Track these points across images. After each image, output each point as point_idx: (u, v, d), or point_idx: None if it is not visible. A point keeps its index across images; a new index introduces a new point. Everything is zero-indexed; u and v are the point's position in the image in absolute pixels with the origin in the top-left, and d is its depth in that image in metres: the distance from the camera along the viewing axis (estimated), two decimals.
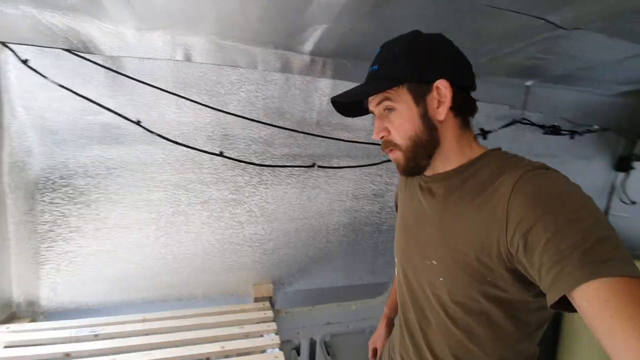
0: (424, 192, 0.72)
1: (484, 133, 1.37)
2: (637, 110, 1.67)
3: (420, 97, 0.63)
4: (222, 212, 1.22)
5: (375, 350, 1.04)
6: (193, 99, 1.08)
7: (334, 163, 1.30)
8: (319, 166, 1.23)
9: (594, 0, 0.77)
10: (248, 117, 1.14)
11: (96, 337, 1.05)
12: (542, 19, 0.86)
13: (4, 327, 1.05)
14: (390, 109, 0.65)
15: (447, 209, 0.66)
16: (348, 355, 1.52)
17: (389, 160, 1.34)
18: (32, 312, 1.12)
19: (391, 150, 0.67)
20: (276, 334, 1.13)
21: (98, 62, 0.97)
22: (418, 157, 0.65)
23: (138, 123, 1.01)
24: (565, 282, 0.46)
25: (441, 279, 0.66)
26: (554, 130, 1.48)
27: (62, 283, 1.12)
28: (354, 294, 1.51)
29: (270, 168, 1.22)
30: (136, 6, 0.86)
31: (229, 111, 1.12)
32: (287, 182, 1.26)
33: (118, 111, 1.01)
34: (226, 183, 1.20)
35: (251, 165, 1.20)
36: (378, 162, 1.33)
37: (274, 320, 1.19)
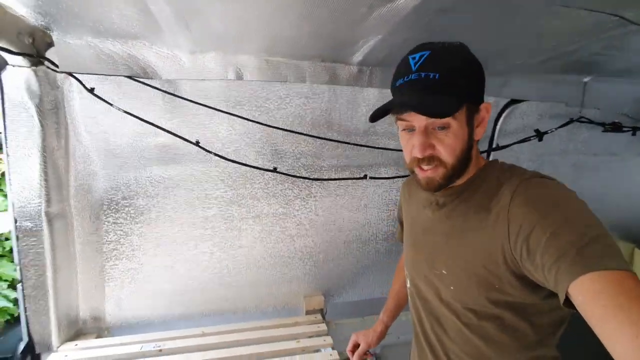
0: (432, 205, 0.74)
1: (540, 135, 1.30)
2: None
3: (471, 118, 0.63)
4: (273, 226, 1.23)
5: (355, 345, 1.02)
6: (244, 116, 1.09)
7: (382, 172, 1.28)
8: (370, 177, 1.21)
9: None
10: (297, 130, 1.14)
11: (160, 352, 1.07)
12: (616, 15, 0.81)
13: (72, 344, 1.10)
14: (444, 127, 0.61)
15: (455, 220, 0.69)
16: None
17: None
18: (97, 327, 1.17)
19: (435, 166, 0.63)
20: (333, 348, 1.12)
21: (156, 86, 1.00)
22: (457, 174, 0.65)
23: (197, 144, 1.03)
24: (564, 279, 0.48)
25: (452, 288, 0.69)
26: (615, 127, 1.39)
27: (126, 299, 1.16)
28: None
29: (319, 180, 1.22)
30: (193, 30, 0.88)
31: (278, 126, 1.12)
32: (336, 193, 1.25)
33: (175, 132, 1.04)
34: (276, 197, 1.21)
35: (300, 179, 1.20)
36: None
37: (328, 334, 1.18)
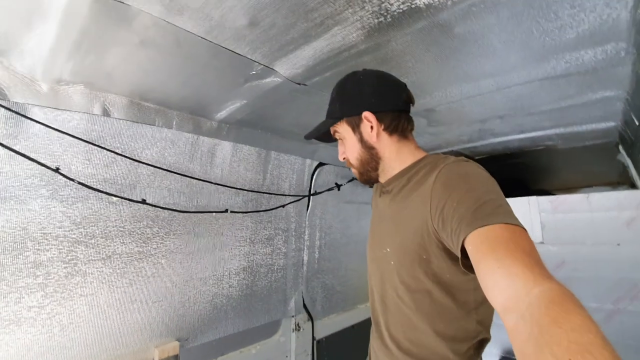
0: (383, 195, 0.89)
1: (338, 186, 1.92)
2: None
3: (355, 127, 0.83)
4: (126, 267, 1.16)
5: None
6: (106, 152, 1.10)
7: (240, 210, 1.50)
8: (231, 211, 1.40)
9: None
10: (160, 169, 1.23)
11: None
12: None
13: None
14: (341, 139, 0.87)
15: (397, 204, 0.81)
16: None
17: (282, 206, 1.64)
18: None
19: (351, 167, 0.89)
20: None
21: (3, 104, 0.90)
22: (367, 171, 0.85)
23: (57, 170, 0.94)
24: (460, 238, 0.58)
25: (392, 263, 0.79)
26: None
27: None
28: (253, 336, 1.60)
29: (179, 219, 1.30)
30: (60, 60, 0.89)
31: (142, 161, 1.17)
32: (194, 231, 1.35)
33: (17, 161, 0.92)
34: (133, 235, 1.18)
35: (161, 216, 1.24)
36: (274, 207, 1.62)
37: None
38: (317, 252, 1.91)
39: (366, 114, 0.81)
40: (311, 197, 1.83)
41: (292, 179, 1.75)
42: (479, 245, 0.54)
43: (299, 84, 1.09)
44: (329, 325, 1.96)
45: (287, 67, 0.99)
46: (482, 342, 0.78)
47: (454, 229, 0.60)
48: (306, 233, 1.85)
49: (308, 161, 1.82)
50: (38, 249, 0.99)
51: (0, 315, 0.92)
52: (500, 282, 0.48)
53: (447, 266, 0.70)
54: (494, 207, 0.59)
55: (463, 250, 0.60)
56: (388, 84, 0.84)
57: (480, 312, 0.75)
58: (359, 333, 2.06)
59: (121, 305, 1.15)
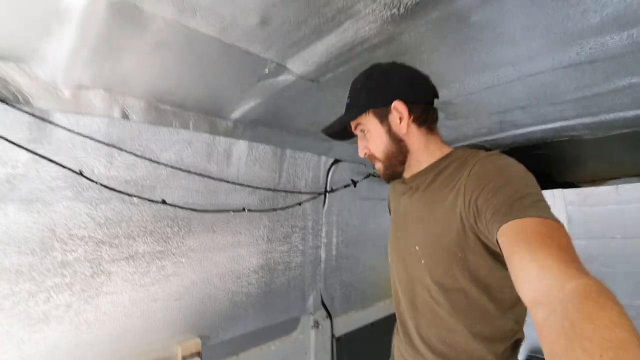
0: (407, 192, 0.85)
1: (354, 183, 1.90)
2: None
3: (383, 118, 0.79)
4: (148, 267, 1.19)
5: None
6: (126, 154, 1.13)
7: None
8: (249, 210, 1.42)
9: None
10: (179, 170, 1.25)
11: None
12: None
13: None
14: (364, 131, 0.82)
15: (425, 200, 0.78)
16: None
17: (298, 204, 1.65)
18: None
19: (375, 162, 0.85)
20: None
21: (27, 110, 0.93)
22: (393, 164, 0.81)
23: (80, 173, 0.98)
24: (496, 228, 0.57)
25: (423, 262, 0.76)
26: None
27: None
28: (273, 333, 1.62)
29: (198, 218, 1.32)
30: (79, 66, 0.92)
31: (161, 162, 1.20)
32: (213, 229, 1.37)
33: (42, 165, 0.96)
34: (154, 235, 1.21)
35: (180, 216, 1.27)
36: (290, 205, 1.62)
37: None
38: (334, 249, 1.91)
39: (396, 104, 0.78)
40: (327, 194, 1.83)
41: (307, 177, 1.75)
42: (513, 236, 0.54)
43: (312, 80, 1.08)
44: (348, 322, 1.96)
45: (300, 64, 0.98)
46: (518, 342, 0.76)
47: (489, 220, 0.59)
48: (323, 230, 1.85)
49: (323, 158, 1.81)
50: (65, 250, 1.03)
51: (30, 314, 0.96)
52: (532, 275, 0.47)
53: (484, 262, 0.67)
54: (532, 201, 0.58)
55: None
56: (415, 75, 0.82)
57: (517, 311, 0.72)
58: (379, 330, 2.05)
59: (144, 303, 1.19)
